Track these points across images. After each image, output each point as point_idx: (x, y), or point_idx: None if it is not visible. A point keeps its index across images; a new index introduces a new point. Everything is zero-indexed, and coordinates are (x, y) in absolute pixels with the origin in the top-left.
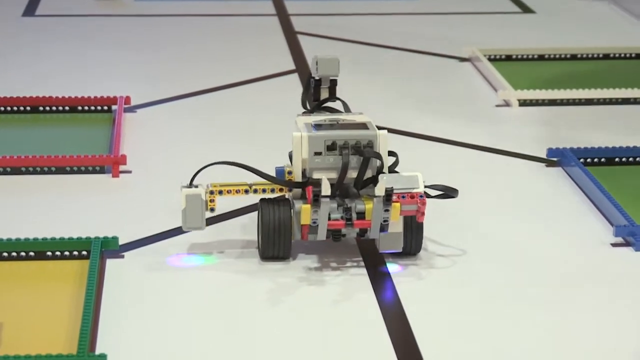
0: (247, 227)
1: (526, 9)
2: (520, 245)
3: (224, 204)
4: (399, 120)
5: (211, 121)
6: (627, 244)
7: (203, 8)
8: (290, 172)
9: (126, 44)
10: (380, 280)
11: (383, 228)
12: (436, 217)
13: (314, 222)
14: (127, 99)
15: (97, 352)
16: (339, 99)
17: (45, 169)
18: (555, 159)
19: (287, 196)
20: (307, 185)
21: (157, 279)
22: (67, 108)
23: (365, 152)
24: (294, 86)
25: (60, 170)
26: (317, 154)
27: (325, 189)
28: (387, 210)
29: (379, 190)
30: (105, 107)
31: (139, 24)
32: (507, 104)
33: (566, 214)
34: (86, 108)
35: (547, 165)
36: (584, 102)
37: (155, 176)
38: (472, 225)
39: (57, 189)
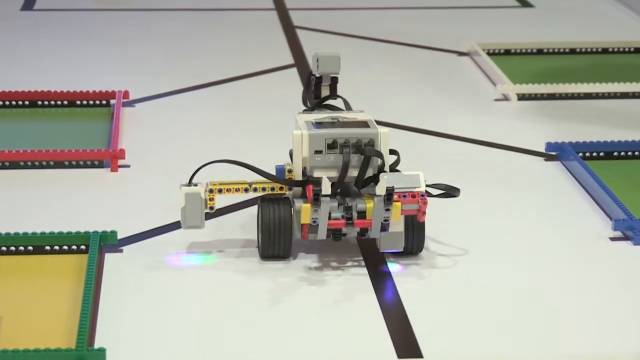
0: (247, 226)
1: (525, 3)
2: (519, 240)
3: (223, 203)
4: (396, 114)
5: (210, 116)
6: (625, 237)
7: (201, 2)
8: (290, 171)
9: (124, 38)
10: (381, 280)
11: (384, 227)
12: (436, 214)
13: (314, 222)
14: (126, 94)
15: (96, 346)
16: (340, 96)
17: (44, 163)
18: (554, 153)
19: (287, 194)
20: (308, 184)
21: (156, 278)
22: (65, 102)
23: (366, 150)
24: (293, 81)
25: (59, 165)
26: (318, 152)
27: (326, 188)
28: (387, 210)
29: (380, 189)
30: (104, 102)
31: (137, 18)
32: (506, 98)
33: (565, 208)
34: (84, 102)
35: (546, 160)
36: (583, 96)
37: (154, 170)
38: (471, 221)
39: (55, 183)
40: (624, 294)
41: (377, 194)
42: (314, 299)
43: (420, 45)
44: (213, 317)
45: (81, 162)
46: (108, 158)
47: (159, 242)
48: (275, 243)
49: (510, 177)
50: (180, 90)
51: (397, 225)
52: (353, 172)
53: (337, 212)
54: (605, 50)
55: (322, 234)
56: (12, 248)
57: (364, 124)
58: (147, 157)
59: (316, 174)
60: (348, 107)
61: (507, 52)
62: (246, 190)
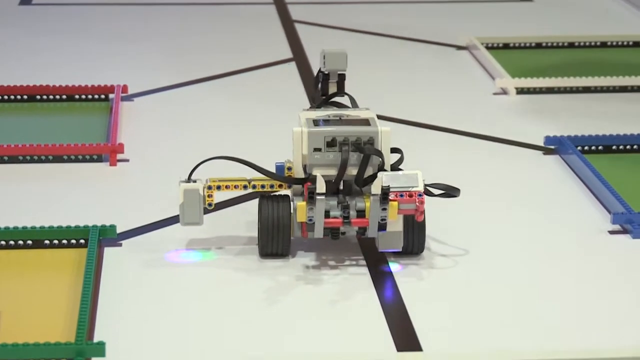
0: (247, 223)
1: None
2: (519, 235)
3: (223, 199)
4: (395, 108)
5: (209, 110)
6: (624, 231)
7: None
8: (290, 168)
9: (123, 32)
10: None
11: (382, 227)
12: (435, 210)
13: (310, 220)
14: (125, 88)
15: (95, 340)
16: (347, 94)
17: (43, 157)
18: (552, 147)
19: (286, 192)
20: (307, 182)
21: (155, 273)
22: (64, 97)
23: (365, 149)
24: (291, 75)
25: (58, 159)
26: (317, 150)
27: (320, 187)
28: (384, 209)
29: (376, 188)
30: (103, 96)
31: (136, 13)
32: (504, 92)
33: (564, 201)
34: (83, 97)
35: (544, 153)
36: (582, 90)
37: (153, 165)
38: (470, 217)
39: (54, 178)
40: (624, 287)
41: (372, 192)
42: (313, 297)
43: (418, 39)
44: (212, 313)
45: (80, 157)
46: (107, 152)
47: (158, 236)
48: (275, 241)
49: (509, 171)
50: (178, 85)
51: (396, 224)
52: (353, 171)
53: (336, 211)
54: (603, 44)
55: (318, 232)
56: (12, 242)
57: (365, 122)
58: (146, 151)
59: (315, 172)
60: (354, 105)
61: (506, 46)
62: (245, 187)
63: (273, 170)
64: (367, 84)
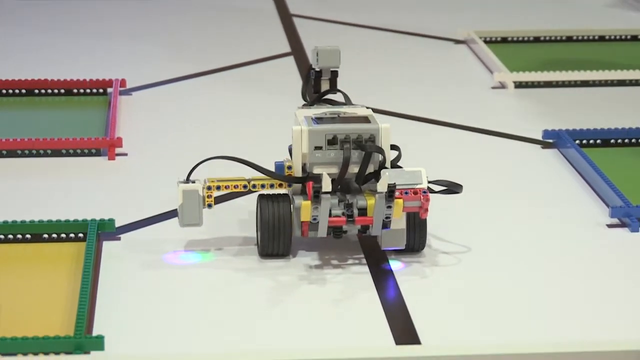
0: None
1: None
2: (517, 229)
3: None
4: (393, 102)
5: (207, 104)
6: (622, 225)
7: None
8: (289, 167)
9: (121, 26)
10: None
11: (385, 225)
12: (435, 207)
13: (314, 219)
14: (123, 82)
15: (94, 333)
16: (340, 90)
17: (41, 151)
18: (551, 141)
19: (285, 190)
20: (307, 181)
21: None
22: (62, 91)
23: (367, 146)
24: (290, 69)
25: (56, 153)
26: (318, 148)
27: (326, 185)
28: (389, 207)
29: (381, 186)
30: (101, 90)
31: (134, 7)
32: (502, 86)
33: (562, 195)
34: (82, 91)
35: (543, 147)
36: (580, 84)
37: (152, 158)
38: (469, 211)
39: (53, 172)
40: (622, 281)
41: (378, 190)
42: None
43: (416, 33)
44: (212, 310)
45: (78, 151)
46: (105, 146)
47: (156, 230)
48: (275, 241)
49: (507, 165)
50: (177, 79)
51: (399, 222)
52: (353, 169)
53: (338, 209)
54: (602, 38)
55: (322, 231)
56: (10, 236)
57: (365, 120)
58: (145, 145)
59: (316, 171)
60: (348, 102)
61: (504, 40)
62: (245, 187)
63: (272, 169)
64: (365, 78)
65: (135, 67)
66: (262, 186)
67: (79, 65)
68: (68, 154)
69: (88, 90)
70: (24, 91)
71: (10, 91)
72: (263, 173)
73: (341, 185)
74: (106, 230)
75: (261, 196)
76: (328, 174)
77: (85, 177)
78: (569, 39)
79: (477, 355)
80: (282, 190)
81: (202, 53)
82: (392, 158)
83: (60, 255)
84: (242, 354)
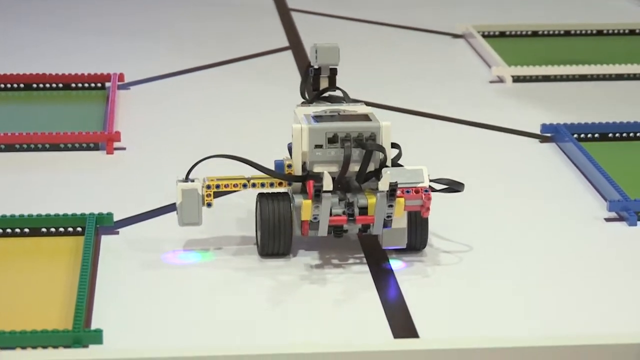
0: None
1: None
2: (515, 224)
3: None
4: (392, 97)
5: (205, 98)
6: (620, 218)
7: None
8: (289, 166)
9: (119, 21)
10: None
11: (386, 224)
12: (435, 204)
13: (315, 218)
14: (121, 76)
15: (93, 327)
16: (339, 88)
17: (40, 145)
18: (549, 135)
19: (284, 189)
20: (307, 180)
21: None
22: (60, 85)
23: (368, 145)
24: (288, 63)
25: (55, 147)
26: (318, 146)
27: (327, 184)
28: (390, 206)
29: (383, 185)
30: (99, 84)
31: (132, 2)
32: (501, 80)
33: (560, 189)
34: (80, 85)
35: (541, 141)
36: (578, 78)
37: (150, 153)
38: (468, 206)
39: (51, 166)
40: (621, 274)
41: (379, 189)
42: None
43: (414, 28)
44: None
45: (77, 145)
46: (104, 140)
47: (155, 224)
48: (275, 240)
49: (505, 159)
50: (175, 73)
51: (400, 221)
52: (354, 167)
53: (338, 208)
54: (600, 32)
55: (323, 230)
56: (9, 230)
57: (365, 118)
58: (143, 139)
59: (316, 169)
60: (347, 99)
61: (502, 34)
62: (244, 186)
63: (272, 167)
64: (363, 72)
65: (133, 61)
66: (262, 185)
67: (77, 60)
68: (66, 148)
69: (86, 85)
70: (22, 85)
71: (9, 85)
72: (263, 172)
73: (341, 184)
74: (104, 224)
75: (261, 195)
76: (328, 173)
77: (83, 172)
78: (567, 33)
79: (477, 349)
80: (282, 189)
81: (200, 47)
82: (392, 156)
83: (58, 250)
84: (239, 347)
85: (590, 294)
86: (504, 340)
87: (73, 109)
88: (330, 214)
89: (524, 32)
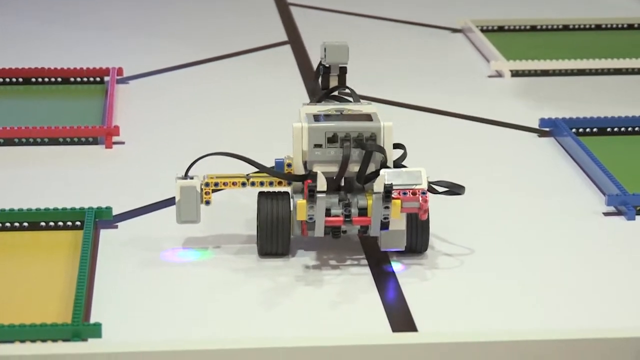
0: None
1: None
2: (514, 218)
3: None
4: (390, 91)
5: (204, 93)
6: (619, 213)
7: None
8: (290, 165)
9: (118, 15)
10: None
11: (384, 225)
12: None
13: (311, 219)
14: (120, 70)
15: (92, 321)
16: (348, 87)
17: (38, 140)
18: (547, 129)
19: (285, 188)
20: (307, 179)
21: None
22: (59, 79)
23: (367, 145)
24: (286, 58)
25: (54, 141)
26: (318, 146)
27: (321, 185)
28: (387, 207)
29: (378, 186)
30: (98, 79)
31: None
32: (499, 74)
33: (559, 183)
34: (78, 79)
35: (539, 136)
36: (576, 73)
37: (149, 147)
38: (466, 202)
39: (50, 160)
40: (620, 269)
41: (375, 190)
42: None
43: (413, 22)
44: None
45: (76, 139)
46: (102, 135)
47: (154, 218)
48: (274, 240)
49: (504, 154)
50: (174, 68)
51: (399, 223)
52: (355, 167)
53: (337, 209)
54: (598, 27)
55: (319, 231)
56: (7, 224)
57: (367, 117)
58: (142, 133)
59: (316, 169)
60: (356, 99)
61: (501, 29)
62: (244, 184)
63: (272, 166)
64: (362, 67)
65: (132, 55)
66: (262, 184)
67: (76, 54)
68: (65, 143)
69: (85, 79)
70: (21, 80)
71: (8, 80)
72: (262, 170)
73: (344, 185)
74: (103, 218)
75: (261, 194)
76: (328, 173)
77: (82, 166)
78: (566, 28)
79: (478, 342)
80: (283, 188)
81: (199, 42)
82: (397, 157)
83: (57, 244)
84: (237, 340)
85: (590, 289)
86: (505, 334)
87: (72, 104)
88: (330, 215)
89: (522, 27)
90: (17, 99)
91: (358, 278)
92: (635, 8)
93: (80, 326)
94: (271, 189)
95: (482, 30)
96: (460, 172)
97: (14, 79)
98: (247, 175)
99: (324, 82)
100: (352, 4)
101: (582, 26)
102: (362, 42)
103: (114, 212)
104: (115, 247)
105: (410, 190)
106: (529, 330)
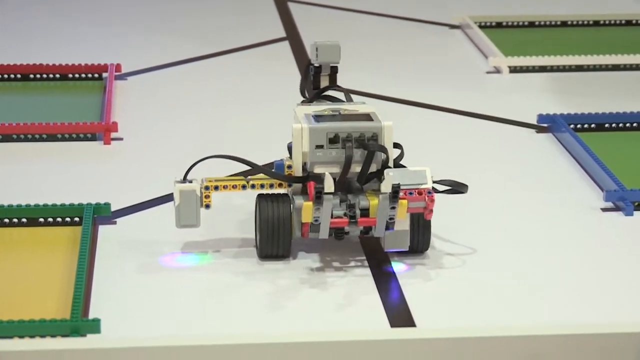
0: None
1: None
2: (513, 214)
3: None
4: (389, 87)
5: (202, 89)
6: (617, 208)
7: None
8: (289, 166)
9: (116, 12)
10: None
11: (389, 226)
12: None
13: (316, 220)
14: (118, 67)
15: (90, 316)
16: (340, 87)
17: (37, 136)
18: (545, 125)
19: (285, 190)
20: (308, 181)
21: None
22: (57, 75)
23: (370, 145)
24: (285, 54)
25: (52, 138)
26: (319, 147)
27: (329, 186)
28: (393, 208)
29: (385, 186)
30: (96, 75)
31: None
32: (497, 70)
33: (557, 179)
34: (77, 75)
35: (537, 132)
36: (574, 69)
37: (147, 143)
38: (465, 198)
39: (48, 156)
40: (619, 265)
41: (382, 191)
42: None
43: (411, 18)
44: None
45: (74, 135)
46: (101, 131)
47: (153, 214)
48: (274, 242)
49: (502, 150)
50: (172, 64)
51: (403, 223)
52: (356, 168)
53: (339, 210)
54: (596, 23)
55: (324, 233)
56: (6, 220)
57: (367, 117)
58: (140, 129)
59: (317, 170)
60: (348, 98)
61: (499, 25)
62: (243, 187)
63: (272, 168)
64: (360, 63)
65: (131, 52)
66: (262, 186)
67: (75, 50)
68: (63, 139)
69: (83, 75)
70: (19, 76)
71: (6, 76)
72: (262, 172)
73: (343, 185)
74: (102, 214)
75: (260, 196)
76: (329, 174)
77: (80, 162)
78: (564, 24)
79: (477, 337)
80: (282, 190)
81: (197, 38)
82: (395, 156)
83: (56, 239)
84: (235, 336)
85: (591, 286)
86: (505, 329)
87: (70, 100)
88: (332, 216)
89: (520, 23)
90: (15, 95)
91: (360, 279)
92: (633, 4)
93: (79, 322)
94: (271, 191)
95: (481, 27)
96: (458, 168)
97: (12, 75)
98: (247, 178)
99: (315, 82)
100: (350, 0)
101: (580, 22)
102: (360, 38)
103: (113, 208)
104: (113, 243)
105: (416, 190)
106: (530, 326)
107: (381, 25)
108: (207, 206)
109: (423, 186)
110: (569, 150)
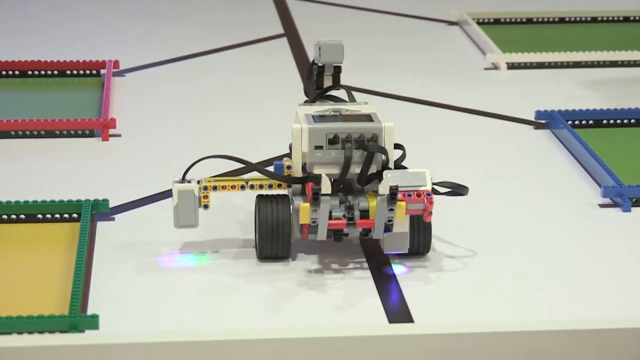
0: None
1: None
2: (511, 210)
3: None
4: (387, 84)
5: (200, 85)
6: (614, 204)
7: None
8: (289, 167)
9: (114, 9)
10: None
11: (388, 228)
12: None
13: (314, 222)
14: (116, 63)
15: (89, 312)
16: (343, 86)
17: (35, 132)
18: (543, 121)
19: (284, 191)
20: (307, 181)
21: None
22: (55, 72)
23: (369, 146)
24: (283, 50)
25: (50, 134)
26: (318, 147)
27: (326, 187)
28: (391, 210)
29: (383, 188)
30: (94, 71)
31: None
32: (495, 67)
33: (555, 175)
34: (75, 72)
35: (535, 128)
36: (572, 65)
37: (145, 139)
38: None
39: (47, 153)
40: (618, 261)
41: (379, 192)
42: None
43: (409, 15)
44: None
45: (72, 132)
46: (99, 127)
47: (151, 210)
48: (274, 243)
49: (500, 146)
50: (170, 60)
51: (402, 225)
52: (355, 169)
53: (339, 211)
54: (594, 20)
55: (322, 234)
56: (4, 216)
57: (368, 118)
58: (138, 126)
59: (316, 171)
60: (352, 99)
61: (497, 22)
62: (242, 187)
63: (271, 168)
64: (357, 59)
65: (129, 48)
66: (261, 186)
67: (73, 47)
68: (62, 135)
69: (81, 72)
70: (17, 73)
71: (4, 72)
72: (262, 173)
73: (343, 186)
74: (100, 210)
75: (259, 197)
76: (329, 175)
77: (79, 158)
78: (562, 20)
79: (475, 333)
80: (282, 191)
81: (195, 35)
82: (396, 157)
83: (54, 236)
84: (233, 332)
85: (590, 282)
86: (504, 325)
87: (68, 96)
88: (331, 217)
89: (518, 19)
90: (13, 91)
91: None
92: (631, 1)
93: (78, 318)
94: (271, 192)
95: (479, 23)
96: (456, 164)
97: (10, 72)
98: (246, 178)
99: (318, 82)
100: None
101: (578, 19)
102: (358, 34)
103: (111, 205)
104: (112, 239)
105: (415, 192)
106: (529, 322)
107: (379, 21)
108: (206, 206)
109: (422, 188)
110: (566, 146)
